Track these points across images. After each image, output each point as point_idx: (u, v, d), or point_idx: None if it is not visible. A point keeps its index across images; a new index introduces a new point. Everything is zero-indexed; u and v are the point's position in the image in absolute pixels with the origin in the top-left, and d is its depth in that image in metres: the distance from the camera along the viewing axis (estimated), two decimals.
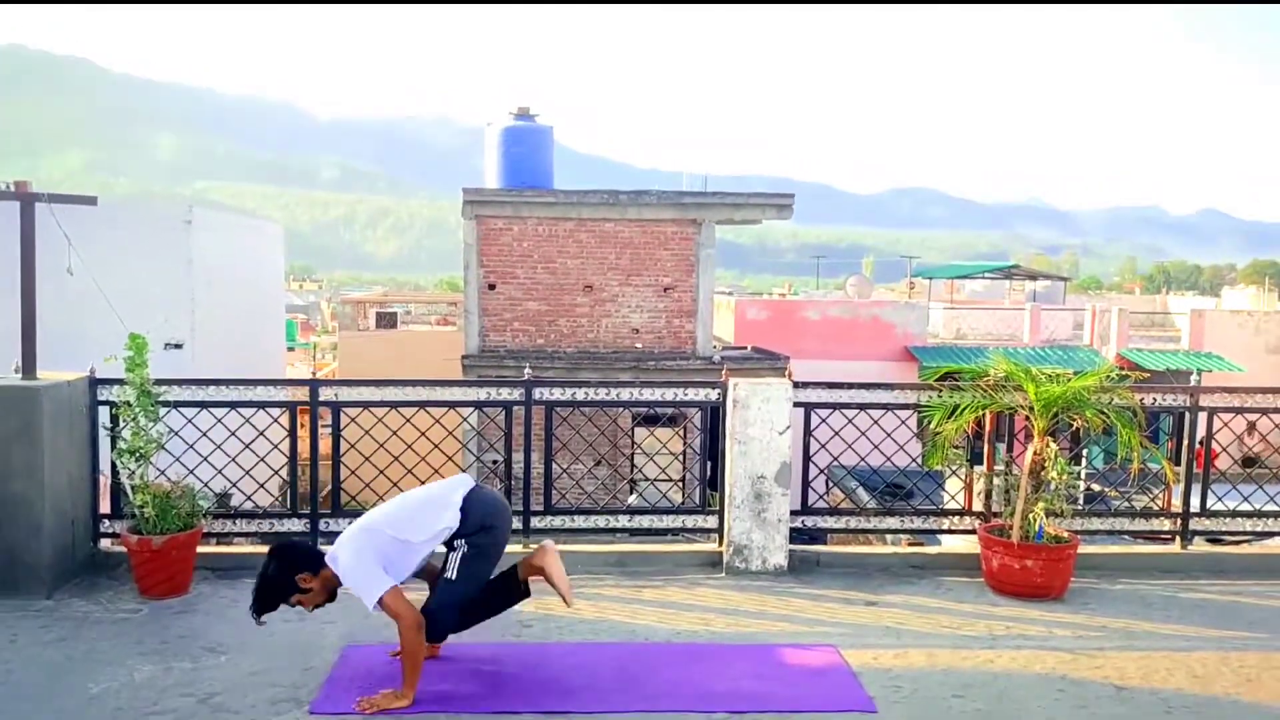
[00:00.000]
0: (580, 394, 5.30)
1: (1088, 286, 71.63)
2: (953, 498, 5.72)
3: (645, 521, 5.40)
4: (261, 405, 5.14)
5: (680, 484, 10.99)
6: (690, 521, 5.43)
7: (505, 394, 5.29)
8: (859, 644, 4.08)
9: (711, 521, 5.30)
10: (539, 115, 16.04)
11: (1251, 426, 5.89)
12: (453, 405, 5.28)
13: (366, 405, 5.16)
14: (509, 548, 3.96)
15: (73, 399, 4.77)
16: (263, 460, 5.23)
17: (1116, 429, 4.79)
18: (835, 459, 5.47)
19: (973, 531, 5.23)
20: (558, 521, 5.27)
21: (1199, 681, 3.77)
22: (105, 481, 5.02)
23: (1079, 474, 5.44)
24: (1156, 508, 5.52)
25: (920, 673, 3.81)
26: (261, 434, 5.20)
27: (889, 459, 5.47)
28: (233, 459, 5.16)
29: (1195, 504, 5.33)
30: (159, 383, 4.74)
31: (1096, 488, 6.87)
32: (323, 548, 3.73)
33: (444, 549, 3.67)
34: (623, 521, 5.39)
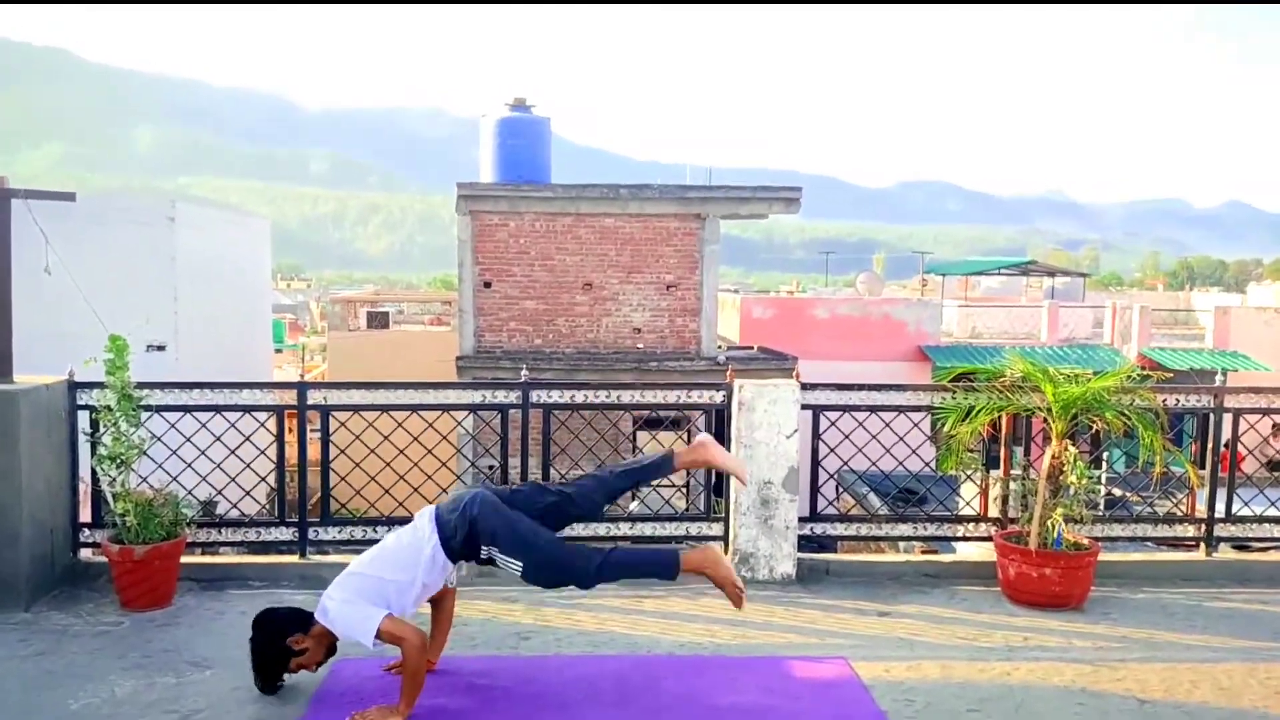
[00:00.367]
0: (579, 396, 5.20)
1: (1108, 283, 71.38)
2: (968, 503, 5.64)
3: (647, 529, 5.29)
4: (248, 409, 5.03)
5: (684, 490, 10.87)
6: (694, 529, 5.33)
7: (501, 396, 5.18)
8: (870, 656, 4.00)
9: (716, 529, 5.20)
10: (536, 106, 15.90)
11: (1278, 429, 5.74)
12: (447, 408, 5.19)
13: (357, 409, 5.07)
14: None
15: (51, 403, 4.67)
16: (249, 466, 5.13)
17: (1138, 431, 4.69)
18: (845, 463, 5.40)
19: (988, 539, 5.13)
20: None
21: (1225, 694, 3.69)
22: (85, 489, 4.93)
23: (1099, 478, 5.31)
24: (1180, 513, 5.43)
25: (934, 685, 3.74)
26: (248, 439, 5.11)
27: (901, 463, 5.39)
28: (218, 465, 5.05)
29: (1220, 509, 5.24)
30: (141, 386, 4.63)
31: (1117, 492, 6.77)
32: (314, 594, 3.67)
33: (474, 565, 3.63)
34: (624, 529, 5.29)
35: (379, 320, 26.12)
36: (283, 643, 3.48)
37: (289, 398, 5.10)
